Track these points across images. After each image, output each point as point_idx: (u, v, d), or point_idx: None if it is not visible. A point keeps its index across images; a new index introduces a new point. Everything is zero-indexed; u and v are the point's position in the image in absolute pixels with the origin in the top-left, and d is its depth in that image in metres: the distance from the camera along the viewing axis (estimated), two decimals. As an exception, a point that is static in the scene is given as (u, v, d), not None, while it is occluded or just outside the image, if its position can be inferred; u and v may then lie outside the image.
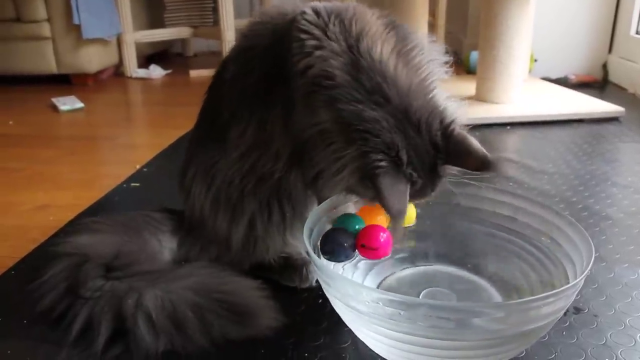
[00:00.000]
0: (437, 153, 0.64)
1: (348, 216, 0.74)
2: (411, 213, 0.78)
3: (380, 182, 0.61)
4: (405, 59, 0.68)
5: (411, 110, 0.64)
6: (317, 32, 0.68)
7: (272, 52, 0.73)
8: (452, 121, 0.66)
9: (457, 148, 0.64)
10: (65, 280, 0.74)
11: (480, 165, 0.64)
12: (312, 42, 0.67)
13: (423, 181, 0.65)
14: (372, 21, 0.70)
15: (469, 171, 0.66)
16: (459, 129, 0.66)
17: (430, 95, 0.66)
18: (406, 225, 0.78)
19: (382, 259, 0.75)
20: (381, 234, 0.70)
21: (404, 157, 0.62)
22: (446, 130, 0.65)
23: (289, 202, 0.80)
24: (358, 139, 0.63)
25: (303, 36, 0.68)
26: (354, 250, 0.71)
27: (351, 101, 0.63)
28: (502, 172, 0.83)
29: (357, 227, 0.72)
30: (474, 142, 0.65)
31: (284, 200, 0.80)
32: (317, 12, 0.70)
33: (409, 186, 0.63)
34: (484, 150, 0.64)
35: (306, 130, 0.68)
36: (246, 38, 0.78)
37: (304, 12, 0.70)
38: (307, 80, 0.67)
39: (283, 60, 0.70)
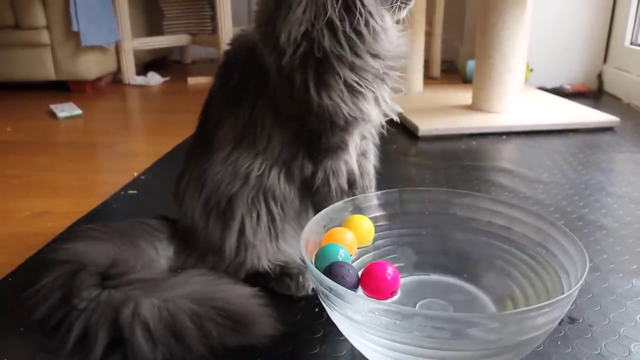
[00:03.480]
0: None
1: (326, 249, 0.73)
2: (368, 233, 0.79)
3: None
4: None
5: None
6: None
7: (249, 56, 0.79)
8: None
9: None
10: (61, 288, 0.74)
11: None
12: None
13: None
14: None
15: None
16: None
17: None
18: (363, 245, 0.80)
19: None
20: (388, 270, 0.69)
21: None
22: None
23: (275, 202, 0.82)
24: None
25: None
26: (356, 287, 0.70)
27: None
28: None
29: (340, 254, 0.71)
30: None
31: (270, 201, 0.82)
32: None
33: None
34: None
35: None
36: (227, 54, 0.84)
37: None
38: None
39: (260, 58, 0.76)
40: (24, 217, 1.19)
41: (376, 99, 0.78)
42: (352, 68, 0.74)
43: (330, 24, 0.70)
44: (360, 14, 0.70)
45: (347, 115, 0.75)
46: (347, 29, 0.71)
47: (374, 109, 0.78)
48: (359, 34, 0.72)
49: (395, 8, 0.75)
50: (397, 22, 0.79)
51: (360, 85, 0.75)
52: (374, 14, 0.72)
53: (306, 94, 0.73)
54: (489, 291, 0.78)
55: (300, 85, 0.73)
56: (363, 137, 0.86)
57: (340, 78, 0.73)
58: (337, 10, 0.70)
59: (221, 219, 0.83)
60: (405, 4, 0.76)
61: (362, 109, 0.76)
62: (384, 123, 0.83)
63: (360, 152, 0.86)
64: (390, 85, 0.80)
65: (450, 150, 1.59)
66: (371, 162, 0.90)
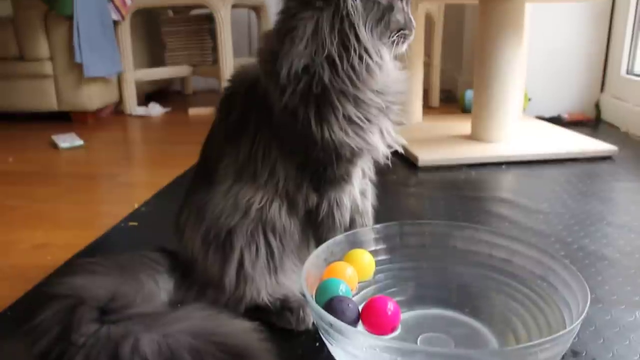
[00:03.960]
0: None
1: (327, 283, 0.74)
2: (369, 267, 0.79)
3: None
4: None
5: None
6: None
7: (249, 92, 0.81)
8: None
9: None
10: (60, 323, 0.73)
11: None
12: None
13: None
14: None
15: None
16: None
17: None
18: (363, 280, 0.79)
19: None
20: (388, 305, 0.69)
21: None
22: None
23: (275, 235, 0.82)
24: None
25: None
26: (357, 322, 0.70)
27: None
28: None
29: (341, 289, 0.72)
30: None
31: (269, 234, 0.82)
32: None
33: None
34: None
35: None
36: (227, 89, 0.86)
37: None
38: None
39: (263, 93, 0.77)
40: (24, 249, 1.19)
41: (380, 132, 0.79)
42: (354, 102, 0.75)
43: (329, 59, 0.72)
44: (355, 50, 0.72)
45: (353, 147, 0.76)
46: (345, 65, 0.72)
47: (379, 141, 0.79)
48: (354, 69, 0.73)
49: (395, 42, 0.76)
50: (397, 57, 0.80)
51: (363, 119, 0.76)
52: (370, 50, 0.73)
53: (309, 128, 0.74)
54: (491, 325, 0.77)
55: (303, 120, 0.74)
56: (362, 176, 0.87)
57: (340, 112, 0.74)
58: (335, 46, 0.71)
59: (220, 252, 0.83)
60: (405, 38, 0.77)
61: (367, 141, 0.77)
62: (388, 155, 0.84)
63: (359, 191, 0.87)
64: (393, 118, 0.81)
65: (450, 181, 1.60)
66: (370, 201, 0.90)
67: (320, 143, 0.75)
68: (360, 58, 0.73)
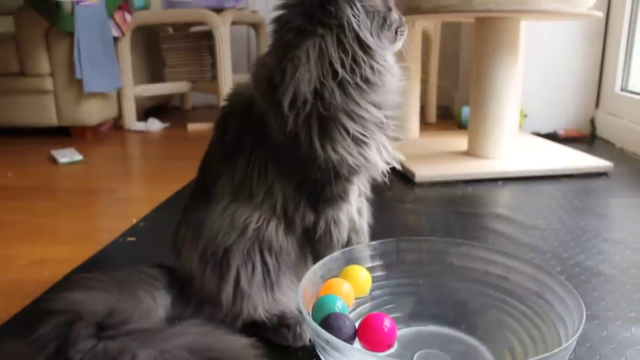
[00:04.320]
0: None
1: (323, 300, 0.74)
2: (366, 284, 0.80)
3: None
4: None
5: None
6: None
7: (245, 111, 0.81)
8: None
9: None
10: (57, 339, 0.73)
11: None
12: None
13: None
14: None
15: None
16: None
17: None
18: (360, 296, 0.80)
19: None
20: (385, 322, 0.70)
21: None
22: None
23: (271, 253, 0.82)
24: None
25: None
26: (353, 339, 0.70)
27: None
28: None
29: (337, 306, 0.72)
30: None
31: (265, 252, 0.82)
32: None
33: None
34: None
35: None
36: (223, 109, 0.87)
37: None
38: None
39: (258, 113, 0.78)
40: (22, 264, 1.19)
41: (378, 148, 0.80)
42: (357, 120, 0.76)
43: (337, 79, 0.73)
44: (365, 62, 0.74)
45: (352, 165, 0.77)
46: (358, 80, 0.74)
47: (378, 157, 0.80)
48: (367, 81, 0.75)
49: (395, 40, 0.79)
50: (397, 59, 0.82)
51: (365, 135, 0.77)
52: (379, 57, 0.76)
53: (311, 149, 0.75)
54: (487, 342, 0.77)
55: (305, 142, 0.75)
56: (358, 194, 0.87)
57: (345, 130, 0.75)
58: (348, 63, 0.73)
59: (217, 270, 0.83)
60: (402, 34, 0.80)
61: (367, 158, 0.78)
62: (386, 171, 0.85)
63: (355, 210, 0.88)
64: (389, 133, 0.82)
65: (446, 197, 1.60)
66: (365, 219, 0.91)
67: (321, 163, 0.76)
68: (372, 68, 0.75)
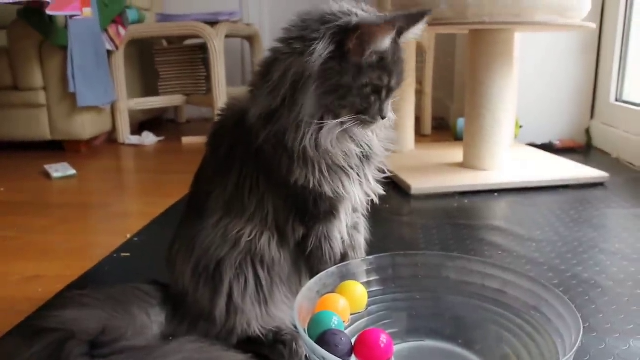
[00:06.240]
0: None
1: (319, 316, 0.73)
2: (362, 299, 0.79)
3: None
4: None
5: None
6: None
7: (236, 125, 0.80)
8: None
9: None
10: (49, 358, 0.72)
11: None
12: None
13: None
14: None
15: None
16: None
17: None
18: (356, 312, 0.79)
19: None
20: (381, 337, 0.69)
21: None
22: None
23: (263, 266, 0.82)
24: None
25: None
26: (350, 355, 0.69)
27: None
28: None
29: (333, 322, 0.71)
30: None
31: (257, 265, 0.81)
32: None
33: None
34: None
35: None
36: (216, 124, 0.86)
37: None
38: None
39: (249, 127, 0.76)
40: (14, 281, 1.17)
41: (360, 180, 0.79)
42: (332, 155, 0.75)
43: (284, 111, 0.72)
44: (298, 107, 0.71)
45: (324, 193, 0.76)
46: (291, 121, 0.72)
47: (357, 189, 0.79)
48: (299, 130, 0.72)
49: (348, 122, 0.72)
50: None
51: (339, 166, 0.76)
52: (308, 113, 0.71)
53: (281, 174, 0.75)
54: (485, 357, 0.77)
55: (275, 166, 0.75)
56: (354, 210, 0.87)
57: (309, 161, 0.74)
58: (287, 98, 0.71)
59: (210, 284, 0.82)
60: (362, 122, 0.73)
61: (345, 189, 0.77)
62: (365, 203, 0.84)
63: (351, 225, 0.87)
64: (376, 165, 0.81)
65: (443, 209, 1.60)
66: (362, 235, 0.90)
67: (297, 188, 0.76)
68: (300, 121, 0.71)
